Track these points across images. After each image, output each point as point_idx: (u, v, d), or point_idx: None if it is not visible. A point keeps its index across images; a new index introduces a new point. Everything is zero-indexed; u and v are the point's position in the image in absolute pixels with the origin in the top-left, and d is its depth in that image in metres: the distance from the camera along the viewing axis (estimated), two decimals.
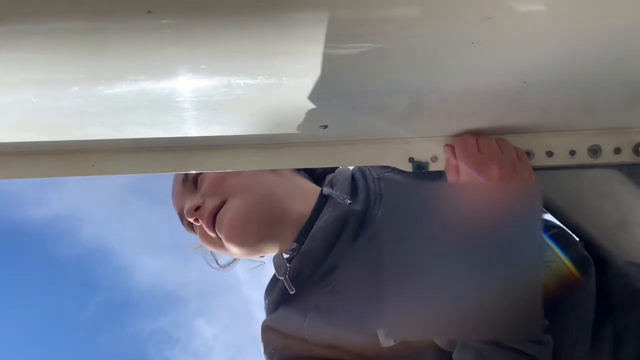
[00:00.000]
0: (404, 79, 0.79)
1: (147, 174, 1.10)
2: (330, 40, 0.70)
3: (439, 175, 0.98)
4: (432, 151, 0.98)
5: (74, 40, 0.70)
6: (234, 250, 1.17)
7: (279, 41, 0.71)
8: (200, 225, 1.19)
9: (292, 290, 1.12)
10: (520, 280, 0.77)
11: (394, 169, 1.17)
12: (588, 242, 1.02)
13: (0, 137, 0.93)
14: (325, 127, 0.91)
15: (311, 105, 0.85)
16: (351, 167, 1.24)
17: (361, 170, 1.21)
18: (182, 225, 1.28)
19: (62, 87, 0.79)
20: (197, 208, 1.17)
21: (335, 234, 1.11)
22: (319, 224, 1.13)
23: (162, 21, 0.67)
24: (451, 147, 0.95)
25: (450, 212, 0.78)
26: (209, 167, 1.00)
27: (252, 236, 1.15)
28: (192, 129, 0.92)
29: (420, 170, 0.97)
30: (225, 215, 1.15)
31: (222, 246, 1.19)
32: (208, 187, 1.19)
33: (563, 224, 1.01)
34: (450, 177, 0.96)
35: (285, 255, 1.14)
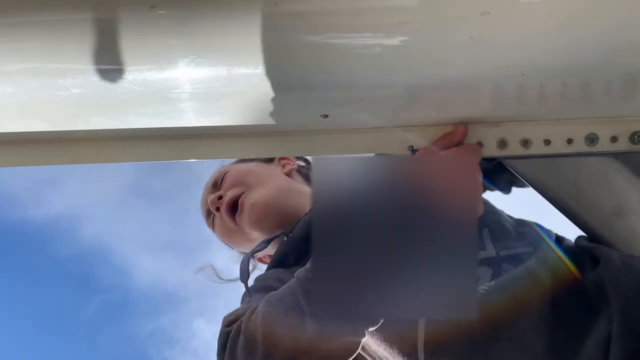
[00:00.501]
0: (404, 70, 0.79)
1: (149, 161, 1.11)
2: (330, 31, 0.70)
3: None
4: (431, 139, 0.98)
5: (78, 31, 0.71)
6: (253, 233, 1.28)
7: (279, 33, 0.71)
8: (220, 216, 1.33)
9: (250, 297, 1.17)
10: (454, 261, 0.79)
11: None
12: (584, 230, 1.03)
13: (3, 126, 0.94)
14: (326, 116, 0.92)
15: (312, 95, 0.86)
16: None
17: None
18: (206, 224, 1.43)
19: (65, 77, 0.79)
20: (220, 197, 1.32)
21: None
22: (305, 217, 1.24)
23: (165, 12, 0.68)
24: (464, 129, 0.95)
25: (385, 190, 0.81)
26: (210, 155, 1.01)
27: (269, 219, 1.27)
28: (193, 119, 0.92)
29: None
30: (246, 199, 1.29)
31: (237, 236, 1.33)
32: (228, 183, 1.35)
33: (560, 212, 1.03)
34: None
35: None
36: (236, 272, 1.32)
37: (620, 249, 0.98)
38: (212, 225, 1.41)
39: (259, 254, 1.37)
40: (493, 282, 1.01)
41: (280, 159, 1.46)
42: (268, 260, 1.34)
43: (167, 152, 1.00)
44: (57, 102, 0.86)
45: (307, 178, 1.46)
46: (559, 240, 1.11)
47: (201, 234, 1.49)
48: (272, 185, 1.33)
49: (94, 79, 0.79)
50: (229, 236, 1.37)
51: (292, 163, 1.46)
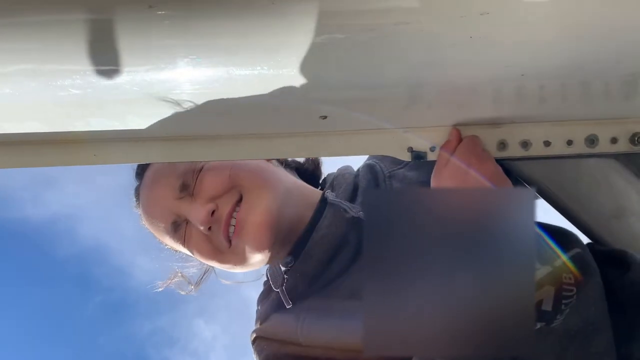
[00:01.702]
0: (403, 71, 0.79)
1: (147, 162, 1.10)
2: (330, 32, 0.70)
3: None
4: (430, 141, 0.98)
5: (76, 32, 0.70)
6: (254, 259, 1.02)
7: (279, 33, 0.71)
8: (208, 236, 1.03)
9: (288, 304, 1.03)
10: (512, 291, 0.70)
11: (408, 164, 1.11)
12: (585, 232, 1.03)
13: (2, 127, 0.93)
14: (325, 117, 0.92)
15: (311, 96, 0.86)
16: (356, 166, 1.15)
17: (371, 167, 1.11)
18: (164, 240, 1.10)
19: (64, 78, 0.79)
20: (213, 212, 1.01)
21: (333, 253, 1.02)
22: (316, 237, 1.02)
23: (163, 13, 0.68)
24: (457, 132, 0.95)
25: (436, 220, 0.71)
26: (209, 157, 1.01)
27: (276, 239, 1.01)
28: (192, 120, 0.92)
29: (418, 159, 0.98)
30: (250, 217, 1.00)
31: (227, 256, 1.04)
32: (215, 187, 1.03)
33: (560, 213, 1.02)
34: (439, 166, 0.94)
35: (282, 268, 1.05)
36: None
37: None
38: (179, 239, 1.07)
39: None
40: None
41: None
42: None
43: (166, 154, 1.00)
44: (56, 103, 0.85)
45: (300, 172, 1.20)
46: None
47: None
48: (274, 186, 1.04)
49: (92, 79, 0.79)
50: (219, 259, 1.05)
51: None
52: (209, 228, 1.01)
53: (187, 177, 1.05)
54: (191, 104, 0.87)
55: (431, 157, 0.98)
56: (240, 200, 1.03)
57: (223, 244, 1.03)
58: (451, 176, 0.92)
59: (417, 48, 0.73)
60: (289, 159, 1.20)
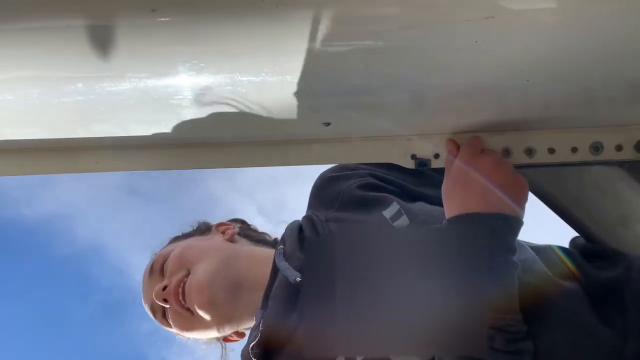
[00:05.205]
0: (407, 77, 0.79)
1: (149, 170, 1.10)
2: (333, 38, 0.70)
3: (442, 172, 0.98)
4: (434, 148, 0.98)
5: (78, 38, 0.70)
6: (207, 317, 1.15)
7: (282, 39, 0.71)
8: (171, 308, 1.18)
9: None
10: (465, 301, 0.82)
11: (339, 206, 1.17)
12: (590, 240, 1.02)
13: (4, 134, 0.93)
14: (328, 124, 0.92)
15: (314, 103, 0.86)
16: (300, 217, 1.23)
17: (308, 218, 1.19)
18: (155, 321, 1.26)
19: (66, 85, 0.79)
20: (164, 288, 1.17)
21: (294, 291, 1.08)
22: (278, 282, 1.12)
23: (166, 19, 0.68)
24: (452, 142, 0.96)
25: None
26: (212, 164, 1.00)
27: (220, 296, 1.15)
28: (194, 127, 0.92)
29: (422, 167, 0.97)
30: (191, 281, 1.15)
31: (195, 323, 1.18)
32: (170, 267, 1.20)
33: (565, 221, 1.02)
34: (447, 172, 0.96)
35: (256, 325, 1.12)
36: None
37: None
38: (166, 322, 1.23)
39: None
40: None
41: (218, 225, 1.33)
42: (236, 338, 1.27)
43: (169, 161, 0.99)
44: (58, 110, 0.85)
45: (251, 238, 1.33)
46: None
47: None
48: (214, 256, 1.20)
49: (95, 86, 0.78)
50: (189, 327, 1.20)
51: (231, 227, 1.32)
52: (165, 300, 1.17)
53: (157, 266, 1.24)
54: (194, 111, 0.87)
55: (435, 164, 0.98)
56: (189, 274, 1.18)
57: (185, 312, 1.17)
58: (455, 182, 0.93)
59: (422, 53, 0.72)
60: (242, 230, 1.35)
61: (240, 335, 1.26)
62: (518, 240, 0.93)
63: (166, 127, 0.92)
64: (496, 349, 0.84)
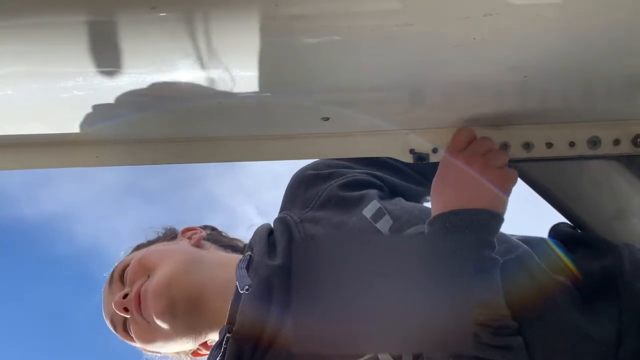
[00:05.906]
0: (406, 72, 0.79)
1: (150, 165, 1.10)
2: (332, 33, 0.70)
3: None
4: (432, 143, 0.98)
5: (78, 33, 0.70)
6: (165, 326, 1.05)
7: (281, 34, 0.71)
8: (132, 318, 1.08)
9: None
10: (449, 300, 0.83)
11: (315, 205, 1.15)
12: (587, 232, 1.03)
13: (4, 128, 0.93)
14: (327, 119, 0.92)
15: (313, 98, 0.86)
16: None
17: (281, 219, 1.13)
18: (118, 335, 1.16)
19: (66, 80, 0.79)
20: (125, 296, 1.08)
21: (265, 301, 1.02)
22: (245, 295, 1.03)
23: (166, 15, 0.68)
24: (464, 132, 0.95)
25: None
26: (211, 159, 1.01)
27: (180, 304, 1.05)
28: (194, 121, 0.92)
29: (420, 161, 0.98)
30: (147, 287, 1.06)
31: (156, 333, 1.08)
32: (131, 274, 1.11)
33: (562, 215, 1.02)
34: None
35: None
36: None
37: None
38: (128, 335, 1.13)
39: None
40: None
41: (185, 231, 1.25)
42: (206, 352, 1.15)
43: (168, 156, 1.00)
44: (58, 105, 0.85)
45: (220, 244, 1.25)
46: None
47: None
48: (174, 260, 1.10)
49: (95, 81, 0.78)
50: (151, 339, 1.09)
51: (199, 232, 1.24)
52: (126, 309, 1.07)
53: (118, 274, 1.16)
54: (193, 106, 0.87)
55: (433, 158, 0.98)
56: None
57: (144, 322, 1.08)
58: (439, 177, 0.94)
59: (420, 49, 0.73)
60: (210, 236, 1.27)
61: (210, 348, 1.12)
62: (512, 236, 0.94)
63: (165, 122, 0.92)
64: (483, 343, 0.84)
